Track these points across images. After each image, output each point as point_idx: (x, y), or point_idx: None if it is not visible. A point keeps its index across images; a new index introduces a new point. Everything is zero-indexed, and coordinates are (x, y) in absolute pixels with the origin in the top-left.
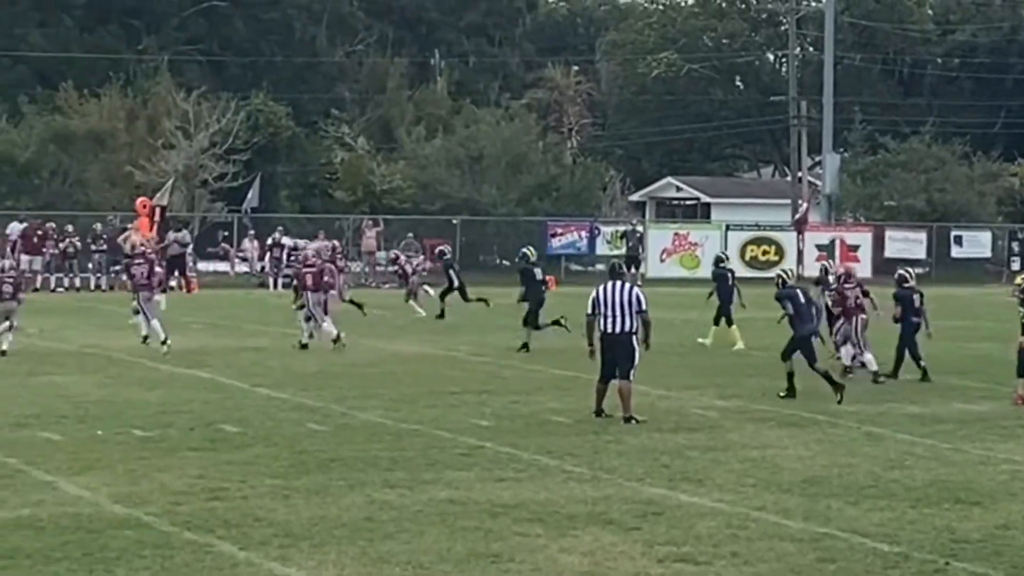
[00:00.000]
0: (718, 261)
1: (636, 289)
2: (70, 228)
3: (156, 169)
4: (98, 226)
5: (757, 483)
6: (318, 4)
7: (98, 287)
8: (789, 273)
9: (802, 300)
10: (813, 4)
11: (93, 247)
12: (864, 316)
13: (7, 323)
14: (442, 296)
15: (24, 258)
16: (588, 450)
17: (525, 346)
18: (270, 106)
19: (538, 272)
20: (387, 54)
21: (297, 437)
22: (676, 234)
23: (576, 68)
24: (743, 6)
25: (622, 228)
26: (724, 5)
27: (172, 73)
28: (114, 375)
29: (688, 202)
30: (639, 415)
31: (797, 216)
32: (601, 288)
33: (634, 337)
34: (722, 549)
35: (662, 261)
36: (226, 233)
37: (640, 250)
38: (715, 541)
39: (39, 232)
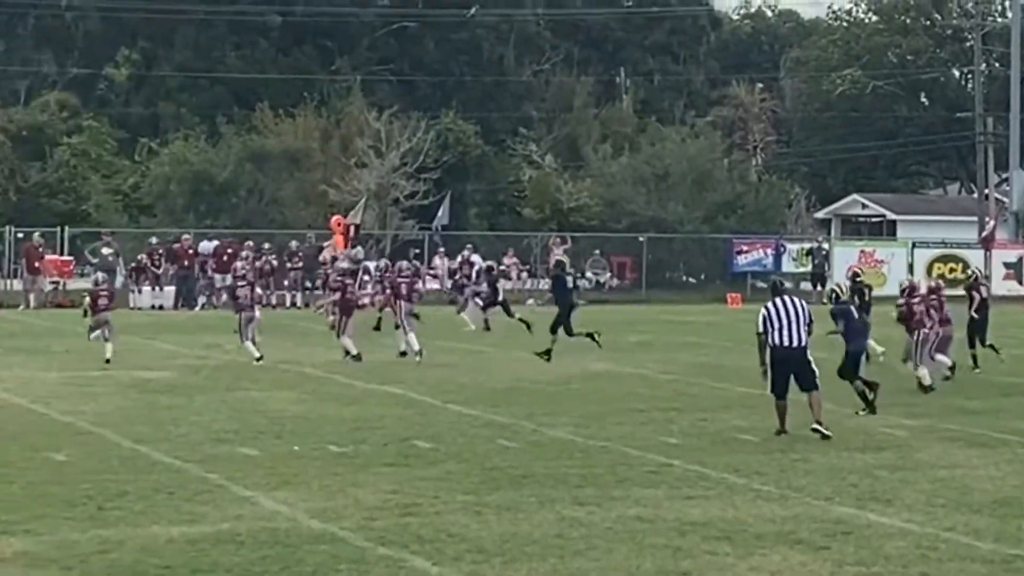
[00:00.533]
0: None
1: (804, 303)
2: (267, 246)
3: (349, 188)
4: (294, 244)
5: (946, 503)
6: (506, 25)
7: (293, 304)
8: (842, 289)
9: (855, 316)
10: (999, 20)
11: (289, 265)
12: (926, 330)
13: (99, 332)
14: (506, 311)
15: (216, 276)
16: (775, 469)
17: (548, 353)
18: (459, 125)
19: (569, 280)
20: (573, 73)
21: (488, 453)
22: (862, 251)
23: (760, 85)
24: (928, 23)
25: (808, 245)
26: (908, 22)
27: (364, 93)
28: (310, 391)
29: (874, 219)
30: (826, 430)
31: (984, 234)
32: (770, 305)
33: (808, 350)
34: (911, 570)
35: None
36: (417, 251)
37: (826, 267)
38: (904, 562)
39: (229, 250)
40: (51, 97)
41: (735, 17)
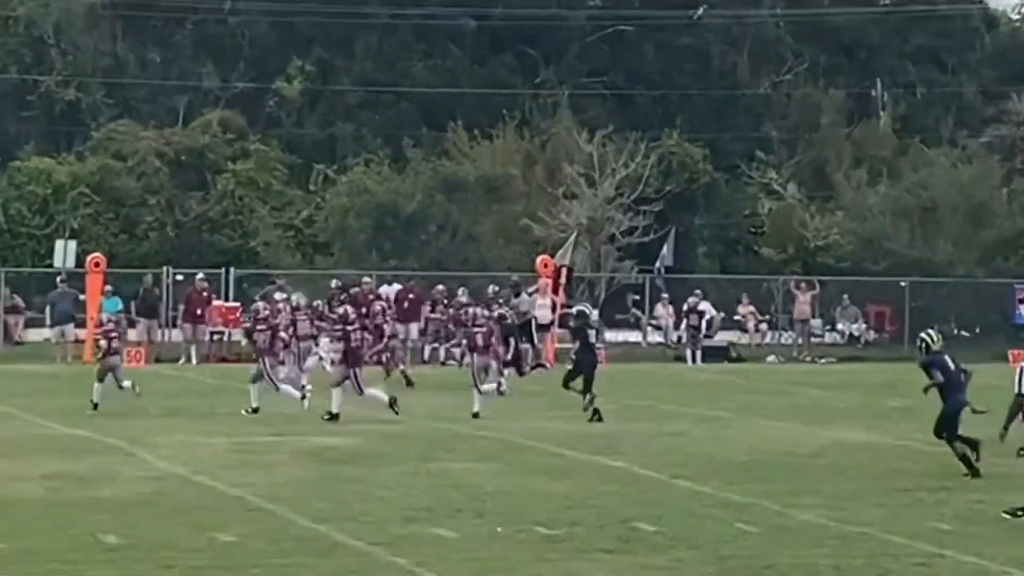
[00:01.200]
0: None
1: None
2: (462, 291)
3: (556, 222)
4: (493, 288)
5: None
6: (738, 27)
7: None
8: (934, 337)
9: (951, 367)
10: None
11: (487, 313)
12: None
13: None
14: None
15: (398, 326)
16: None
17: (595, 413)
18: (685, 147)
19: (591, 334)
20: (820, 85)
21: (723, 539)
22: None
23: None
24: None
25: None
26: None
27: (573, 110)
28: (513, 462)
29: None
30: None
31: None
32: None
33: None
34: None
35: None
36: (636, 296)
37: None
38: None
39: (411, 295)
40: (213, 116)
41: (1015, 17)
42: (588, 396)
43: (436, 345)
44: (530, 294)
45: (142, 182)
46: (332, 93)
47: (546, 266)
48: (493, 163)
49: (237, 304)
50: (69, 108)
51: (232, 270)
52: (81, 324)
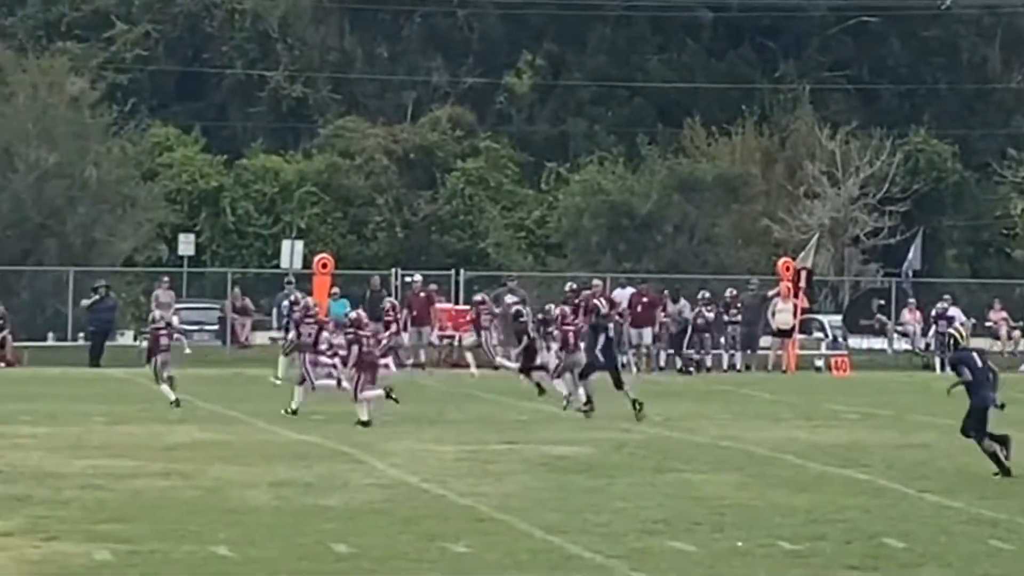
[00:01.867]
0: None
1: None
2: (706, 295)
3: (797, 223)
4: (731, 292)
5: None
6: (990, 18)
7: (731, 367)
8: (962, 333)
9: (979, 364)
10: None
11: (726, 318)
12: None
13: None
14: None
15: (632, 332)
16: None
17: (637, 405)
18: (933, 145)
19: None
20: None
21: (976, 556)
22: None
23: None
24: None
25: None
26: None
27: (814, 105)
28: (754, 474)
29: None
30: None
31: None
32: None
33: None
34: None
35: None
36: (882, 302)
37: None
38: None
39: (644, 299)
40: (442, 112)
41: None
42: (629, 398)
43: (671, 351)
44: (769, 298)
45: (370, 181)
46: (564, 88)
47: (787, 269)
48: (731, 161)
49: (467, 307)
50: (296, 104)
51: (462, 272)
52: None
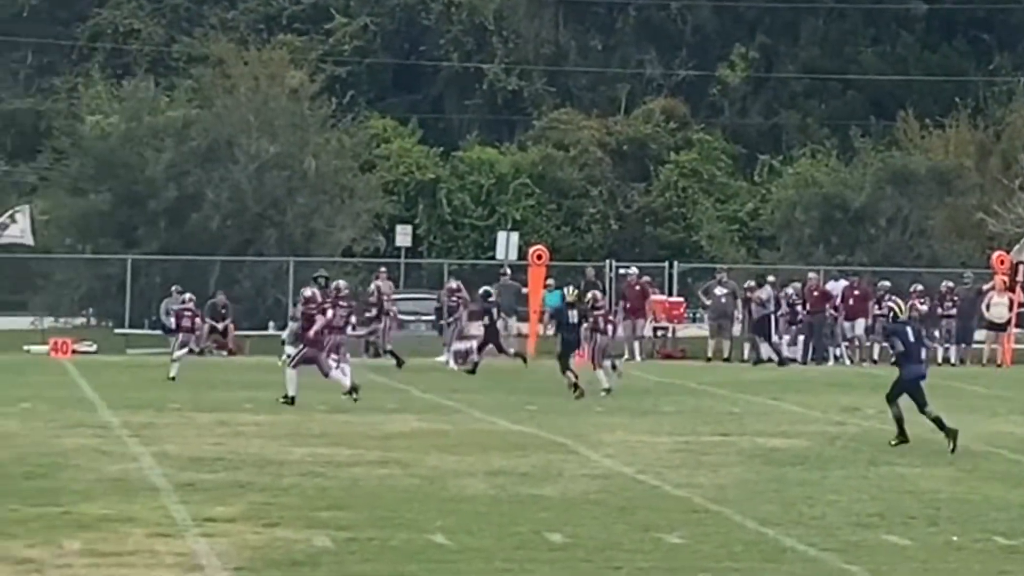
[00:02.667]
0: None
1: None
2: (917, 288)
3: (1012, 216)
4: (947, 285)
5: None
6: None
7: (946, 360)
8: (902, 307)
9: (911, 338)
10: None
11: (940, 311)
12: None
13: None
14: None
15: (846, 324)
16: None
17: (576, 388)
18: None
19: (573, 315)
20: None
21: None
22: None
23: None
24: None
25: None
26: None
27: None
28: (969, 468)
29: None
30: None
31: None
32: None
33: None
34: None
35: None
36: None
37: None
38: None
39: (856, 291)
40: (656, 105)
41: None
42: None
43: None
44: (984, 291)
45: (584, 173)
46: (776, 81)
47: (1002, 263)
48: (945, 154)
49: (680, 299)
50: (511, 97)
51: (676, 264)
52: (523, 317)
